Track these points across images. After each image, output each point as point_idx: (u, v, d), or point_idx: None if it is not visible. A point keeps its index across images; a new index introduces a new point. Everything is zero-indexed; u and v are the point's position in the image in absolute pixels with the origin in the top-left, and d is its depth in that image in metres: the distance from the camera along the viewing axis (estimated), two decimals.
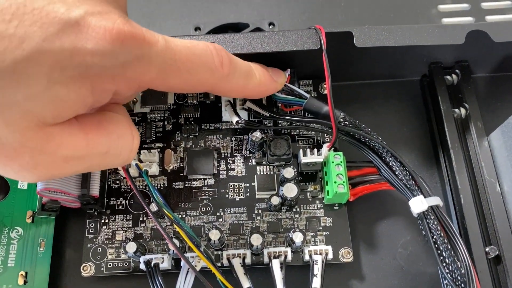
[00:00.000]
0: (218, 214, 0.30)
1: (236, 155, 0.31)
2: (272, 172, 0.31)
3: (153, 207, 0.28)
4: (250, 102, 0.31)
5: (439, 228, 0.26)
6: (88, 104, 0.20)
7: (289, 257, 0.28)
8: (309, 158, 0.29)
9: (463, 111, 0.31)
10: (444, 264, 0.25)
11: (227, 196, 0.30)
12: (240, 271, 0.27)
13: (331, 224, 0.29)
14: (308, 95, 0.29)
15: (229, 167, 0.31)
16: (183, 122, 0.32)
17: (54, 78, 0.17)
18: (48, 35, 0.17)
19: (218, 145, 0.32)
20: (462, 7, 0.41)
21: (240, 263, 0.27)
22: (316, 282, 0.27)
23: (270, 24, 0.40)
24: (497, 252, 0.28)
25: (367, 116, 0.34)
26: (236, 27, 0.39)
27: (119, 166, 0.24)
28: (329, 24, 0.38)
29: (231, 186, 0.30)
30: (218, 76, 0.23)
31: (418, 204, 0.26)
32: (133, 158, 0.23)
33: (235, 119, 0.30)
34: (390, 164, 0.28)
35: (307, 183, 0.31)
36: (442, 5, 0.41)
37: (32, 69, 0.17)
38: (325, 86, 0.33)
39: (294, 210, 0.30)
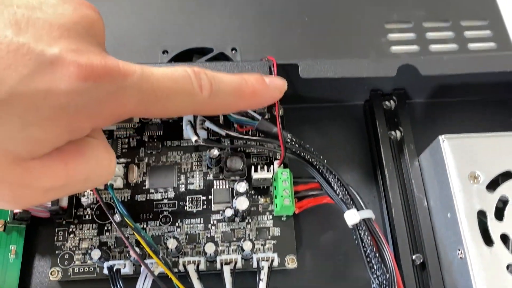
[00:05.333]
0: (177, 224, 0.33)
1: (195, 170, 0.35)
2: (227, 186, 0.34)
3: (117, 218, 0.31)
4: (208, 123, 0.34)
5: (369, 238, 0.30)
6: (65, 140, 0.20)
7: (240, 264, 0.31)
8: (259, 174, 0.33)
9: (398, 133, 0.35)
10: (373, 270, 0.29)
11: (185, 208, 0.33)
12: (194, 277, 0.30)
13: (279, 234, 0.33)
14: (260, 117, 0.33)
15: (188, 181, 0.34)
16: (146, 140, 0.35)
17: (28, 119, 0.18)
18: (22, 77, 0.17)
19: (179, 160, 0.35)
20: (408, 36, 0.45)
21: (195, 269, 0.30)
22: (262, 286, 0.30)
23: (232, 49, 0.43)
24: (422, 259, 0.31)
25: (315, 136, 0.37)
26: (201, 51, 0.43)
27: (99, 185, 0.26)
28: (285, 51, 0.42)
29: (189, 198, 0.34)
30: (199, 99, 0.23)
31: (351, 217, 0.30)
32: (111, 177, 0.23)
33: (194, 138, 0.33)
34: (329, 180, 0.31)
35: (259, 196, 0.34)
36: (391, 34, 0.45)
37: (5, 112, 0.17)
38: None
39: (246, 221, 0.33)
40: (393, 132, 0.35)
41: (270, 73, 0.32)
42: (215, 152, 0.33)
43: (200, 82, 0.23)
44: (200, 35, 0.43)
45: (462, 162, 0.30)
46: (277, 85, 0.27)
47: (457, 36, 0.45)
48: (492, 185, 0.30)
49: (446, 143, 0.31)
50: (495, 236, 0.28)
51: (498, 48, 0.44)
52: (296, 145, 0.32)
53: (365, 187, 0.36)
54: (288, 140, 0.32)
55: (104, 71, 0.19)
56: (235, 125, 0.34)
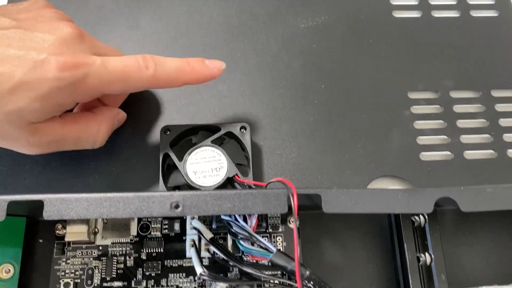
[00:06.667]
0: None
1: None
2: None
3: None
4: (215, 248, 0.30)
5: None
6: (58, 111, 0.29)
7: None
8: None
9: (428, 258, 0.31)
10: None
11: None
12: None
13: None
14: (274, 249, 0.29)
15: None
16: (145, 258, 0.31)
17: (33, 97, 0.26)
18: (26, 71, 0.26)
19: (181, 285, 0.31)
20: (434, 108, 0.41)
21: None
22: None
23: (241, 128, 0.38)
24: None
25: (334, 249, 0.33)
26: (207, 129, 0.38)
27: (89, 147, 0.32)
28: (300, 126, 0.38)
29: None
30: (146, 76, 0.29)
31: None
32: (99, 143, 0.32)
33: (199, 270, 0.29)
34: None
35: None
36: (415, 106, 0.40)
37: (19, 94, 0.26)
38: (292, 221, 0.33)
39: None
40: (422, 255, 0.31)
41: (290, 202, 0.28)
42: (222, 285, 0.29)
43: (147, 64, 0.30)
44: (206, 112, 0.39)
45: None
46: (216, 65, 0.32)
47: (487, 110, 0.41)
48: None
49: None
50: None
51: None
52: (316, 286, 0.28)
53: None
54: (307, 278, 0.28)
55: (72, 63, 0.27)
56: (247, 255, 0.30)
